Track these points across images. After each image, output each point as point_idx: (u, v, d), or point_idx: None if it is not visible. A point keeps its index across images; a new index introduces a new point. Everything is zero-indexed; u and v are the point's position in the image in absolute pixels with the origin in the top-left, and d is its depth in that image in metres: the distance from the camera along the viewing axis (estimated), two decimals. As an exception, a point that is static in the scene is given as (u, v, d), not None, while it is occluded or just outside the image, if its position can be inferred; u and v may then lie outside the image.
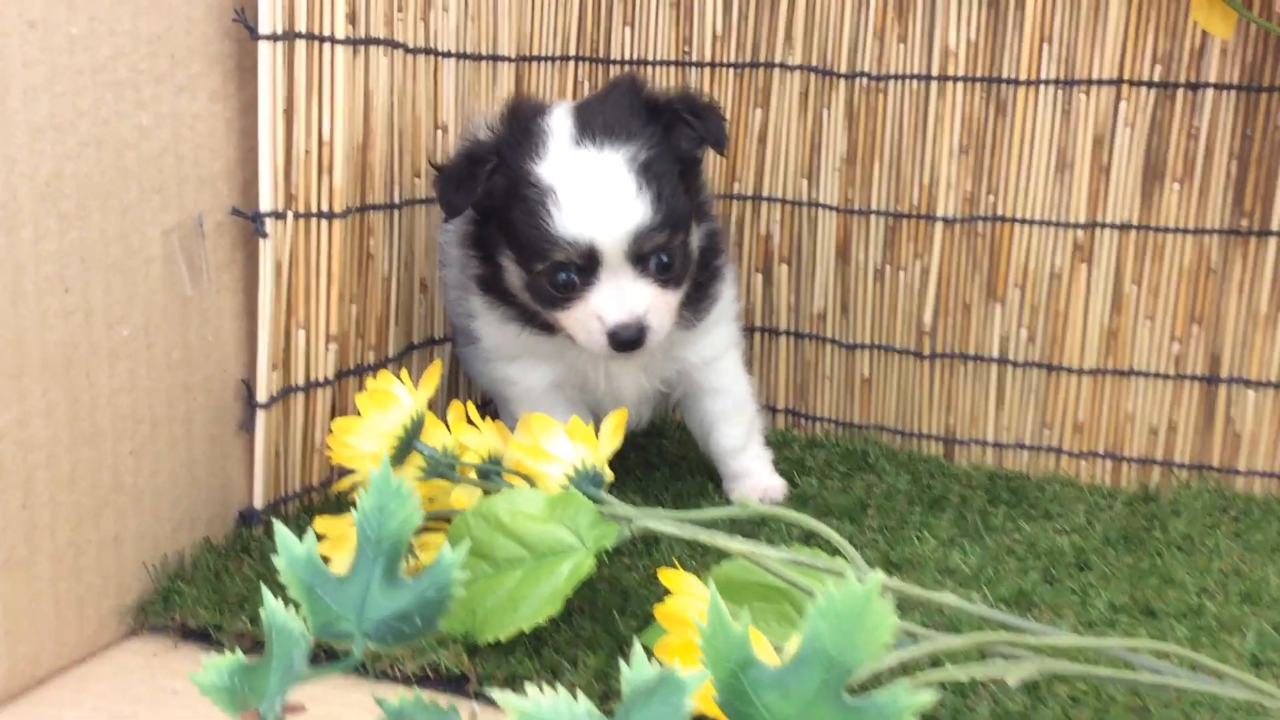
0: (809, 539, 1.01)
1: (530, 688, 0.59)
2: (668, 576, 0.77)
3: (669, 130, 1.10)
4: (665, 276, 1.08)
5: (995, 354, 1.35)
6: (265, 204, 1.03)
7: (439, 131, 1.29)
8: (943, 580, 1.03)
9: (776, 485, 1.24)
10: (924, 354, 1.38)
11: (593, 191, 1.04)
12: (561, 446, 0.89)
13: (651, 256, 1.07)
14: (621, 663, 0.60)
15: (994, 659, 0.69)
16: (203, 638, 0.93)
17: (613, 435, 0.93)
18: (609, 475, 0.92)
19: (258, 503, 1.07)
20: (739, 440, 1.24)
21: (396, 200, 1.22)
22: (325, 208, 1.09)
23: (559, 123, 1.09)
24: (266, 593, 0.67)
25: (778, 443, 1.38)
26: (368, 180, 1.16)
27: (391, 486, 0.66)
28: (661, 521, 0.82)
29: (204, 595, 0.95)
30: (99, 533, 0.91)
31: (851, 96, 1.35)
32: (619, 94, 1.12)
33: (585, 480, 0.89)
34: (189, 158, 0.97)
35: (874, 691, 0.58)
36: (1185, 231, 1.28)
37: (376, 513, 0.65)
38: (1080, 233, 1.30)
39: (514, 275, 1.12)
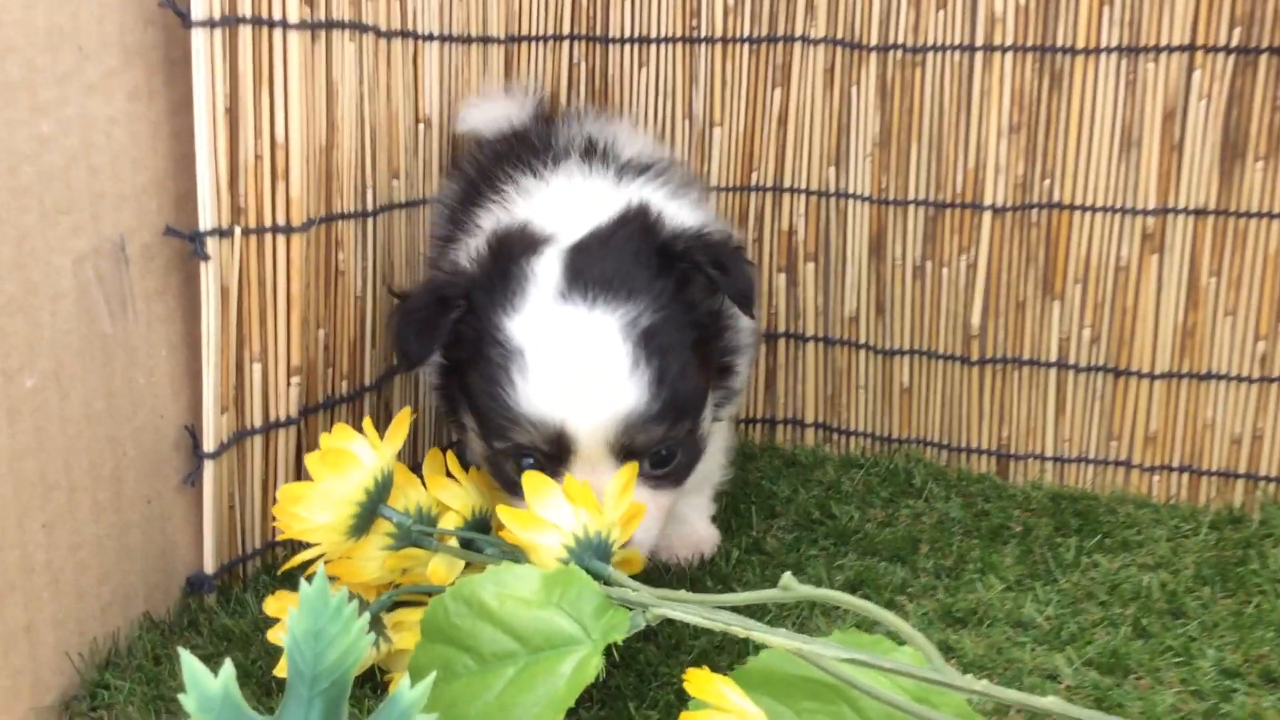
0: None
1: None
2: (695, 680, 0.61)
3: (684, 284, 0.87)
4: (662, 472, 0.85)
5: (1054, 358, 1.22)
6: (206, 220, 0.88)
7: (421, 125, 1.14)
8: (1018, 639, 0.89)
9: (708, 537, 1.05)
10: (972, 359, 1.24)
11: (571, 361, 0.81)
12: (559, 512, 0.73)
13: (645, 454, 0.84)
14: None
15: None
16: (136, 743, 0.79)
17: (619, 496, 0.76)
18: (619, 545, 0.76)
19: (208, 566, 0.92)
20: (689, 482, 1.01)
21: (370, 207, 1.06)
22: (281, 221, 0.94)
23: (546, 266, 0.86)
24: (176, 738, 0.52)
25: (809, 463, 1.25)
26: (333, 186, 1.00)
27: (329, 607, 0.50)
28: (684, 609, 0.66)
29: (138, 689, 0.80)
30: (6, 623, 0.76)
31: (884, 72, 1.20)
32: (627, 233, 0.88)
33: (588, 552, 0.72)
34: (105, 170, 0.81)
35: None
36: (1270, 216, 1.14)
37: (311, 640, 0.50)
38: (1149, 220, 1.16)
39: (475, 442, 0.91)
